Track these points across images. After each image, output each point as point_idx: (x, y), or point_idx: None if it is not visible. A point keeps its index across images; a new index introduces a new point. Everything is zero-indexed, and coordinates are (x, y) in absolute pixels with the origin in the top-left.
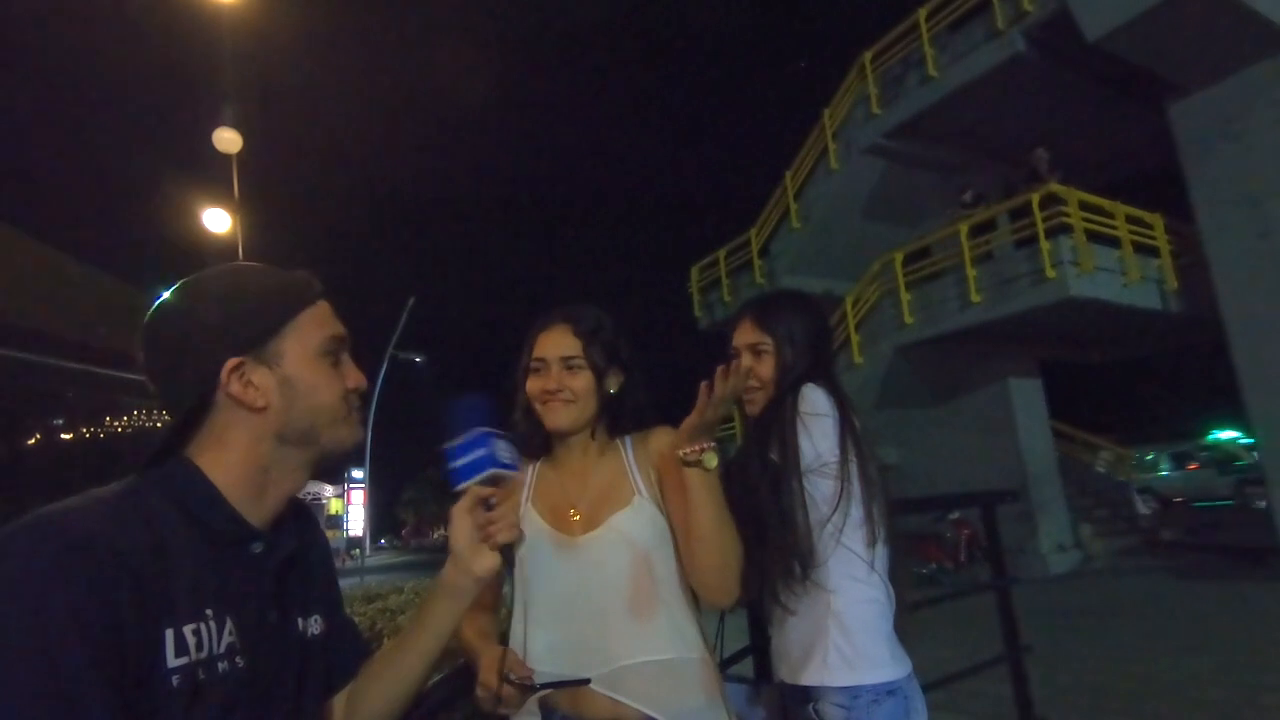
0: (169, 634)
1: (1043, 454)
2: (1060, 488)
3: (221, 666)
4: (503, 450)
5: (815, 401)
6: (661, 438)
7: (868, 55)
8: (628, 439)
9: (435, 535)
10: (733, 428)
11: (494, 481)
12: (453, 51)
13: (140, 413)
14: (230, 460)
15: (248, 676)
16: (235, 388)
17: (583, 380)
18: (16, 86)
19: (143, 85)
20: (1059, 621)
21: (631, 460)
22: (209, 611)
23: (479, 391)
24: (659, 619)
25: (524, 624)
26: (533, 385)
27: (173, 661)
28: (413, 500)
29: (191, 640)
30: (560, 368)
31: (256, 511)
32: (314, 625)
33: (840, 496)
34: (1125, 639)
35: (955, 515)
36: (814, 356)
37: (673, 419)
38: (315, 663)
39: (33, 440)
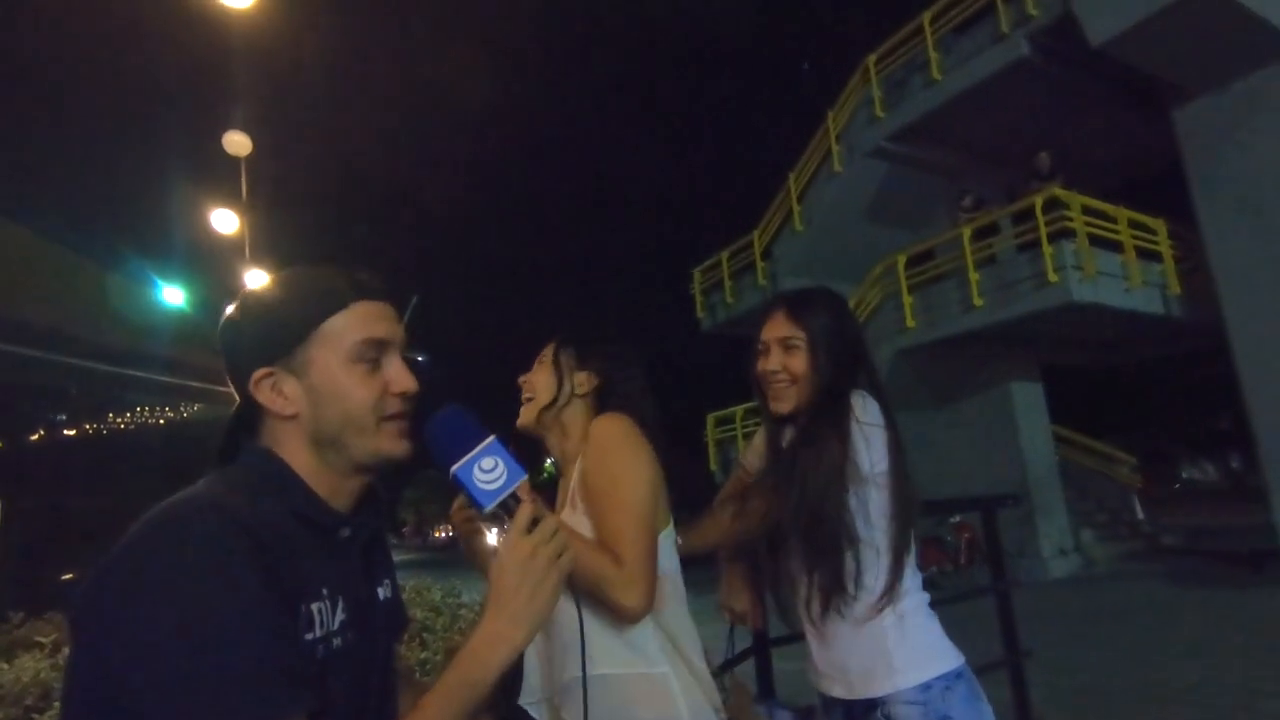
0: (302, 609)
1: (1044, 458)
2: (1061, 492)
3: (336, 642)
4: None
5: (872, 411)
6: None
7: (872, 58)
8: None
9: (437, 534)
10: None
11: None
12: (461, 53)
13: (143, 410)
14: (292, 460)
15: (354, 650)
16: (264, 396)
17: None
18: (27, 86)
19: (154, 88)
20: (1059, 626)
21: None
22: (325, 591)
23: (453, 401)
24: (590, 630)
25: None
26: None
27: (306, 635)
28: (413, 500)
29: (317, 618)
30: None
31: (336, 500)
32: (385, 590)
33: (906, 507)
34: (1125, 643)
35: (956, 518)
36: (854, 360)
37: (672, 413)
38: (389, 623)
39: (35, 436)
